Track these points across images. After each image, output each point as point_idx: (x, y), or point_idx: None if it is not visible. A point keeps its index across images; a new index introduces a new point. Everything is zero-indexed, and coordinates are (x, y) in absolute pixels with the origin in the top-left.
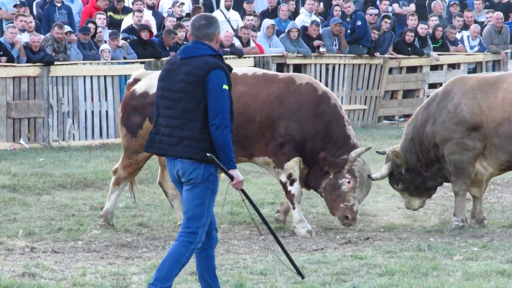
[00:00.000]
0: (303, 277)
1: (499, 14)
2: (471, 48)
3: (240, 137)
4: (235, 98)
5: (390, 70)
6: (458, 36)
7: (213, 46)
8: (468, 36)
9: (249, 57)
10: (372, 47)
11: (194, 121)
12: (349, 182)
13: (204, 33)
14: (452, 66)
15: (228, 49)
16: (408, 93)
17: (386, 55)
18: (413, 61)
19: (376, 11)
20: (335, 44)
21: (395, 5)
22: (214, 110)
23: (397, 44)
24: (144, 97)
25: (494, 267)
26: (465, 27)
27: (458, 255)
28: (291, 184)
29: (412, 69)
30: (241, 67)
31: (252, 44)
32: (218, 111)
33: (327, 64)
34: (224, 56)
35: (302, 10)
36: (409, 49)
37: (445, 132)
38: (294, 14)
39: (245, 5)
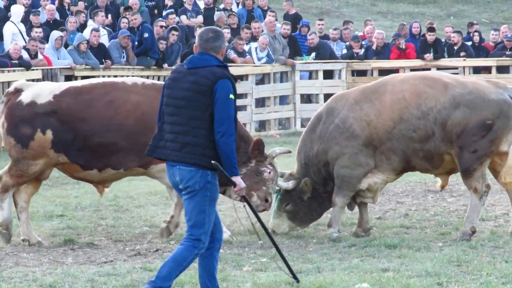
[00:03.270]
0: (298, 281)
1: (271, 19)
2: (259, 59)
3: (140, 146)
4: (131, 107)
5: None
6: (246, 47)
7: (219, 58)
8: (256, 48)
9: (37, 69)
10: (160, 58)
11: (199, 128)
12: (270, 173)
13: (212, 46)
14: (240, 77)
15: (16, 62)
16: None
17: (174, 67)
18: None
19: (164, 22)
20: (123, 56)
21: (183, 17)
22: (220, 119)
23: (185, 55)
24: (32, 107)
25: (283, 278)
26: (254, 38)
27: (247, 266)
28: None
29: None
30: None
31: (40, 56)
32: (224, 119)
33: (115, 76)
34: (12, 69)
35: (90, 22)
36: None
37: (337, 147)
38: (83, 26)
39: (31, 17)
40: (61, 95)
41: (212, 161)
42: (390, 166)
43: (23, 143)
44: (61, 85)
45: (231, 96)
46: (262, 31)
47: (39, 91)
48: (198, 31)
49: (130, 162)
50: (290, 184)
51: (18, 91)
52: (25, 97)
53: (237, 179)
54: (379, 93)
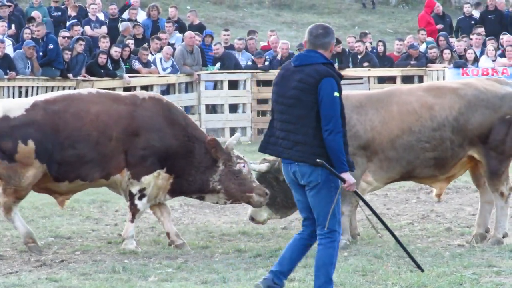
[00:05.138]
0: (422, 270)
1: (191, 33)
2: (164, 69)
3: (103, 157)
4: (93, 118)
5: None
6: (151, 58)
7: (326, 55)
8: (160, 58)
9: None
10: (65, 69)
11: (307, 127)
12: (244, 166)
13: (321, 42)
14: (145, 88)
15: None
16: None
17: (79, 77)
18: (106, 83)
19: (68, 33)
20: (28, 67)
21: (87, 28)
22: (326, 116)
23: (90, 66)
24: (7, 121)
25: None
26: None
27: (153, 276)
28: (140, 198)
29: None
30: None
31: None
32: (330, 117)
33: (20, 87)
34: None
35: None
36: (102, 71)
37: None
38: None
39: None
40: (31, 108)
41: (318, 160)
42: (387, 175)
43: (8, 158)
44: (27, 100)
45: (336, 93)
46: (169, 43)
47: (7, 107)
48: (308, 28)
49: (96, 173)
50: (263, 167)
51: None
52: None
53: (347, 175)
54: (384, 103)
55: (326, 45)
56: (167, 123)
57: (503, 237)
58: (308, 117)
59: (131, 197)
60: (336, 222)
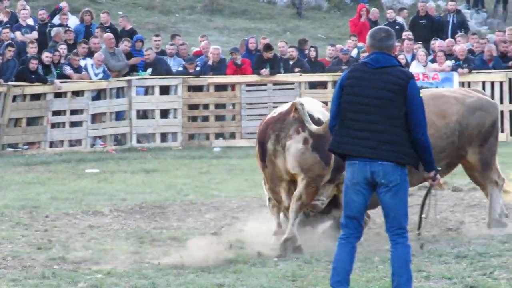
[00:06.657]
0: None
1: (109, 35)
2: (96, 75)
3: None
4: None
5: (14, 98)
6: (83, 63)
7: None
8: (92, 64)
9: None
10: None
11: (398, 127)
12: None
13: (386, 45)
14: (76, 93)
15: None
16: (32, 121)
17: (10, 83)
18: (37, 88)
19: None
20: None
21: (18, 33)
22: (417, 117)
23: (21, 71)
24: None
25: None
26: (90, 54)
27: (83, 282)
28: None
29: (36, 97)
30: None
31: None
32: (421, 118)
33: None
34: None
35: None
36: (33, 76)
37: None
38: None
39: None
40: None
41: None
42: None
43: (326, 160)
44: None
45: (421, 94)
46: (101, 47)
47: (319, 109)
48: (369, 32)
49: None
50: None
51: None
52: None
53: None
54: None
55: (390, 48)
56: None
57: (506, 216)
58: (399, 117)
59: None
60: (407, 220)
